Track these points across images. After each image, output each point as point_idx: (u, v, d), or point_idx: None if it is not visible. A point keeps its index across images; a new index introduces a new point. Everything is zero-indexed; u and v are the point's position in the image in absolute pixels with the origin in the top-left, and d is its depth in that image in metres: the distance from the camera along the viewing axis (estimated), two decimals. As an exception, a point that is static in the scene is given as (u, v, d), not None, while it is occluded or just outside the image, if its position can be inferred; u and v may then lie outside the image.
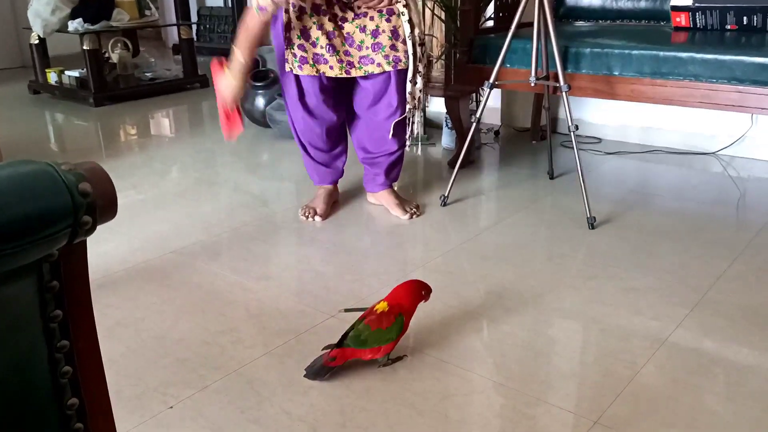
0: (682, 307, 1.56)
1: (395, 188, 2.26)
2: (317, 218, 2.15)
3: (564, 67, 2.04)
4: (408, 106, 2.05)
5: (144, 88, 4.25)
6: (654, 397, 1.25)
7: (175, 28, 4.77)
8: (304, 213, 2.17)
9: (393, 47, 1.96)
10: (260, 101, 3.19)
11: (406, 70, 2.00)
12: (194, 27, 5.19)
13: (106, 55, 4.36)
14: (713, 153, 2.70)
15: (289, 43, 1.96)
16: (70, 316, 0.57)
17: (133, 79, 4.35)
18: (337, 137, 2.18)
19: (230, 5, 5.58)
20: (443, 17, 2.86)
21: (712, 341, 1.42)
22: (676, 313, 1.54)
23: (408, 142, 2.14)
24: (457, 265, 1.82)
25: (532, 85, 2.16)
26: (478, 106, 2.44)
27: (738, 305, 1.56)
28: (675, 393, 1.26)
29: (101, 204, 0.53)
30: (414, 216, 2.15)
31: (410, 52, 1.97)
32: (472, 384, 1.31)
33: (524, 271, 1.77)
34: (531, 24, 2.12)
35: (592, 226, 2.02)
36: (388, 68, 1.97)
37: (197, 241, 2.02)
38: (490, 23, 2.74)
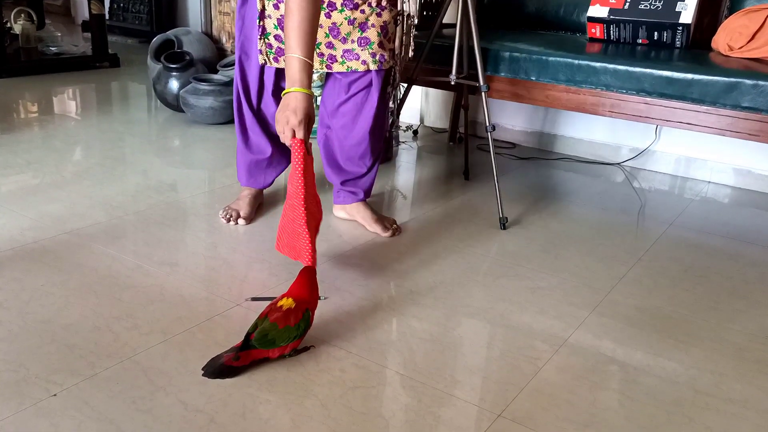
0: (583, 308, 1.61)
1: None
2: (241, 221, 1.97)
3: (484, 68, 2.07)
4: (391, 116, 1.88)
5: (48, 63, 4.00)
6: (555, 393, 1.27)
7: (85, 5, 4.51)
8: (226, 215, 1.98)
9: (381, 45, 1.79)
10: (174, 84, 3.06)
11: (389, 71, 1.87)
12: (107, 3, 4.93)
13: (8, 25, 4.08)
14: (618, 164, 2.82)
15: (263, 32, 1.76)
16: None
17: (36, 52, 4.08)
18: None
19: (148, -15, 5.33)
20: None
21: (610, 341, 1.47)
22: (578, 313, 1.58)
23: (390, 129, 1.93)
24: (368, 258, 1.80)
25: (452, 83, 2.17)
26: (396, 103, 2.44)
27: (635, 307, 1.63)
28: (575, 389, 1.29)
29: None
30: (396, 233, 1.97)
31: (396, 51, 1.82)
32: (378, 376, 1.28)
33: (436, 267, 1.77)
34: (454, 25, 2.14)
35: (503, 227, 2.05)
36: (373, 67, 1.80)
37: (96, 222, 1.90)
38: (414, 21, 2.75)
